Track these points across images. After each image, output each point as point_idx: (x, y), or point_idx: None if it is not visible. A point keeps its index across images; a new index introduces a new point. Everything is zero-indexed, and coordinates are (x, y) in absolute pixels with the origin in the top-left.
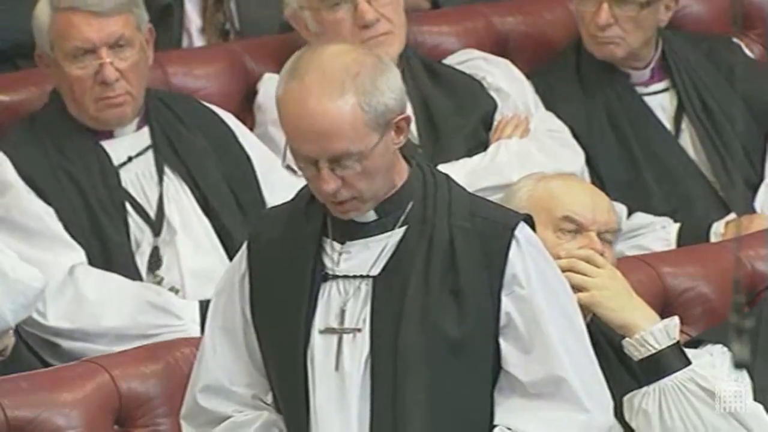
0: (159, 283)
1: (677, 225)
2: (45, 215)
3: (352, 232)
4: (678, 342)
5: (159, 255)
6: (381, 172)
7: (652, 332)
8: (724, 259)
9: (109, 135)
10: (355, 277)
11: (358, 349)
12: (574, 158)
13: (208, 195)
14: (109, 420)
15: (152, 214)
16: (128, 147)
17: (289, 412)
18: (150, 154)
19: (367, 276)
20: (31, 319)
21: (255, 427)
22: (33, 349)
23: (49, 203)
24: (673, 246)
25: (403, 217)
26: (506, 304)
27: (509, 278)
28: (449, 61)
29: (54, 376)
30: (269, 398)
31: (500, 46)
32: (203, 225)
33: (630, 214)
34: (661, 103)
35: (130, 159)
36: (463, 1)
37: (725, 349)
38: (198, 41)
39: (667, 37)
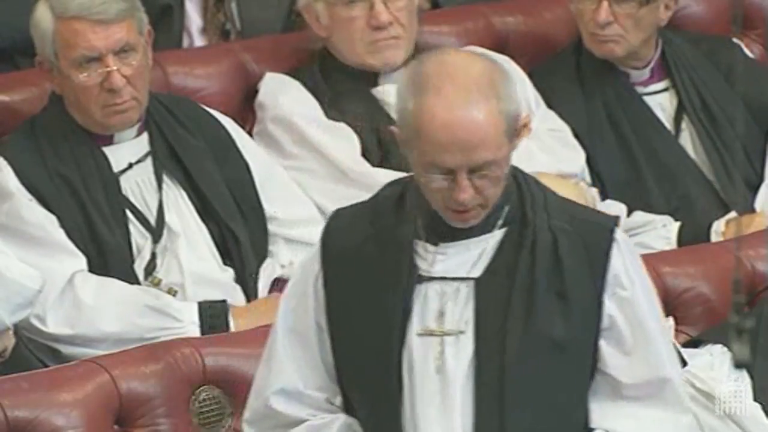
0: (157, 284)
1: (678, 223)
2: (46, 222)
3: (448, 233)
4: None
5: (155, 261)
6: (504, 178)
7: None
8: (724, 259)
9: (109, 140)
10: (453, 279)
11: (461, 352)
12: (575, 158)
13: (208, 196)
14: (109, 420)
15: (152, 220)
16: (129, 153)
17: (377, 416)
18: (149, 160)
19: (468, 278)
20: (32, 326)
21: (335, 428)
22: (35, 354)
23: (50, 210)
24: (673, 244)
25: (501, 219)
26: (609, 305)
27: (611, 279)
28: None
29: (54, 376)
30: (338, 401)
31: (500, 46)
32: (201, 231)
33: (630, 213)
34: (661, 103)
35: (130, 165)
36: (463, 1)
37: (725, 349)
38: (198, 41)
39: (667, 37)
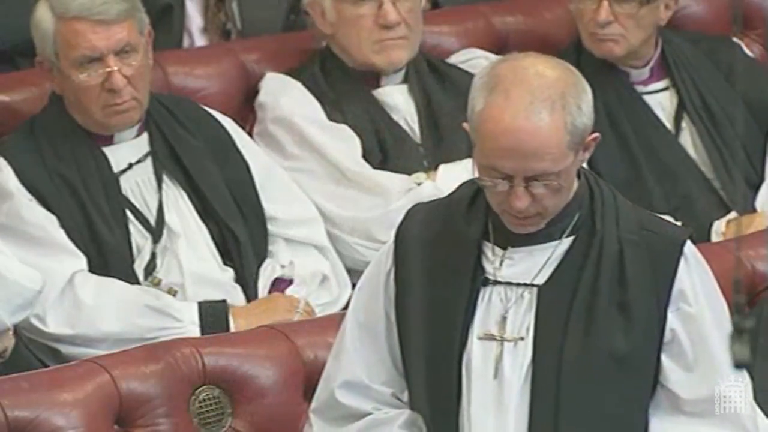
0: (157, 284)
1: (678, 224)
2: (46, 222)
3: (516, 238)
4: None
5: (155, 261)
6: (567, 190)
7: None
8: (724, 259)
9: (110, 140)
10: (518, 284)
11: (519, 358)
12: None
13: (208, 196)
14: (109, 420)
15: (152, 220)
16: (129, 153)
17: (435, 415)
18: (149, 161)
19: (532, 284)
20: (32, 326)
21: (398, 424)
22: (35, 354)
23: (50, 210)
24: None
25: (570, 228)
26: (672, 320)
27: (677, 294)
28: (451, 60)
29: (54, 376)
30: (405, 397)
31: (500, 46)
32: (201, 232)
33: None
34: (661, 102)
35: (130, 166)
36: (464, 1)
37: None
38: (199, 41)
39: (667, 37)
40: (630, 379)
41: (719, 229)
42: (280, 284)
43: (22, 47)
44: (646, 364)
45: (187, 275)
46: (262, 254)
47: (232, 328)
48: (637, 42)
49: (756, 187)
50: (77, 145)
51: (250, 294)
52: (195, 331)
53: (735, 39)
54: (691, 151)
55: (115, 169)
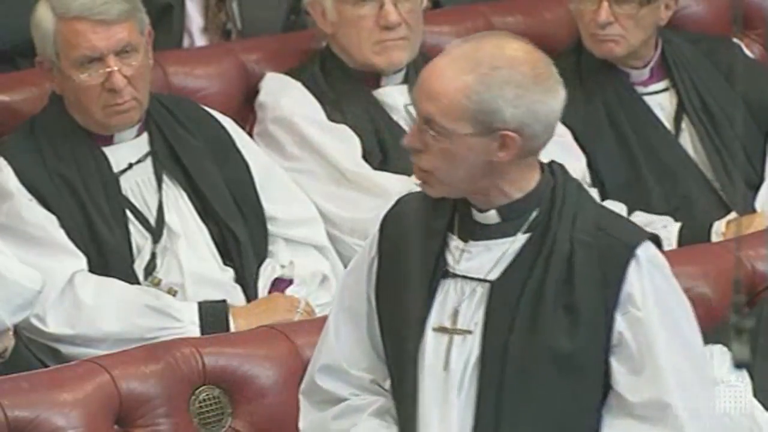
0: (157, 284)
1: (678, 224)
2: (46, 222)
3: (475, 231)
4: None
5: (155, 261)
6: (464, 166)
7: None
8: (724, 259)
9: (110, 140)
10: (473, 279)
11: (466, 352)
12: (575, 163)
13: (208, 196)
14: (109, 420)
15: (152, 220)
16: (129, 153)
17: (399, 403)
18: (149, 161)
19: (485, 279)
20: (32, 326)
21: (369, 412)
22: (35, 354)
23: (50, 210)
24: (674, 245)
25: (526, 225)
26: (620, 323)
27: (625, 297)
28: None
29: (54, 376)
30: (387, 384)
31: None
32: (202, 232)
33: (630, 213)
34: (661, 103)
35: (130, 166)
36: (464, 1)
37: (725, 349)
38: (199, 41)
39: (667, 37)
40: (575, 380)
41: (719, 229)
42: (280, 284)
43: (22, 47)
44: (593, 365)
45: (187, 275)
46: (262, 254)
47: (232, 328)
48: (637, 42)
49: (756, 188)
50: (77, 145)
51: (250, 294)
52: (195, 331)
53: (735, 39)
54: (690, 152)
55: (115, 169)
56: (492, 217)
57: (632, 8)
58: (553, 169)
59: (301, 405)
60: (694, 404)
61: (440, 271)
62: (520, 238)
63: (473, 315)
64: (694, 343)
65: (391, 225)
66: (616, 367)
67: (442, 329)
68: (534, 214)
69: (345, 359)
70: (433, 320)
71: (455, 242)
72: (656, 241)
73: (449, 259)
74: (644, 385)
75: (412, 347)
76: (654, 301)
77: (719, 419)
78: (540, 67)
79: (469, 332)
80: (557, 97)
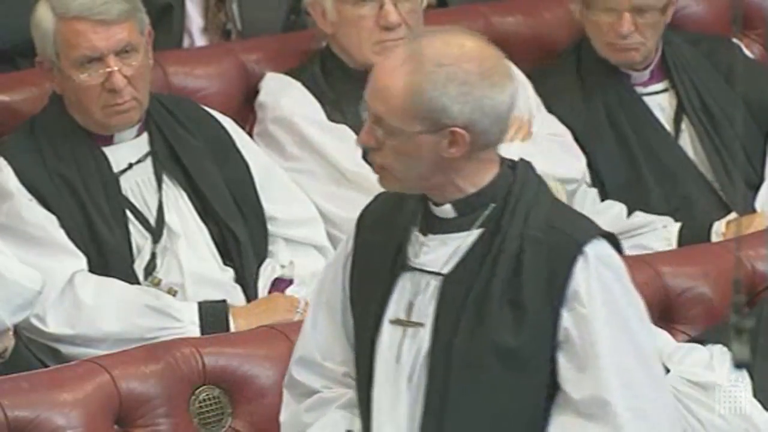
0: (157, 284)
1: (678, 224)
2: (46, 222)
3: (434, 225)
4: None
5: (155, 261)
6: (415, 163)
7: None
8: (724, 259)
9: (109, 140)
10: (429, 272)
11: (417, 345)
12: (575, 163)
13: (208, 196)
14: (109, 420)
15: (152, 220)
16: (129, 153)
17: (358, 394)
18: (149, 161)
19: (439, 273)
20: (32, 326)
21: (336, 405)
22: (35, 354)
23: (50, 210)
24: (674, 245)
25: (481, 220)
26: (566, 319)
27: (571, 294)
28: None
29: (54, 376)
30: None
31: (500, 47)
32: (202, 232)
33: (630, 213)
34: (661, 104)
35: (130, 166)
36: (472, 1)
37: (725, 349)
38: (199, 41)
39: (667, 38)
40: (520, 376)
41: (719, 229)
42: (280, 284)
43: (22, 47)
44: (538, 361)
45: (187, 275)
46: (262, 254)
47: (232, 328)
48: (653, 46)
49: (756, 188)
50: (77, 145)
51: (250, 294)
52: (195, 331)
53: (735, 39)
54: (690, 152)
55: (115, 169)
56: (448, 211)
57: (653, 17)
58: (516, 165)
59: (284, 398)
60: (638, 404)
61: (400, 265)
62: (474, 233)
63: (426, 308)
64: (643, 344)
65: (367, 220)
66: (563, 363)
67: (398, 321)
68: (489, 209)
69: (320, 352)
70: (390, 313)
71: (417, 236)
72: (613, 239)
73: (410, 252)
74: (586, 382)
75: (369, 339)
76: (601, 300)
77: (673, 422)
78: (487, 62)
79: (422, 325)
80: (505, 90)
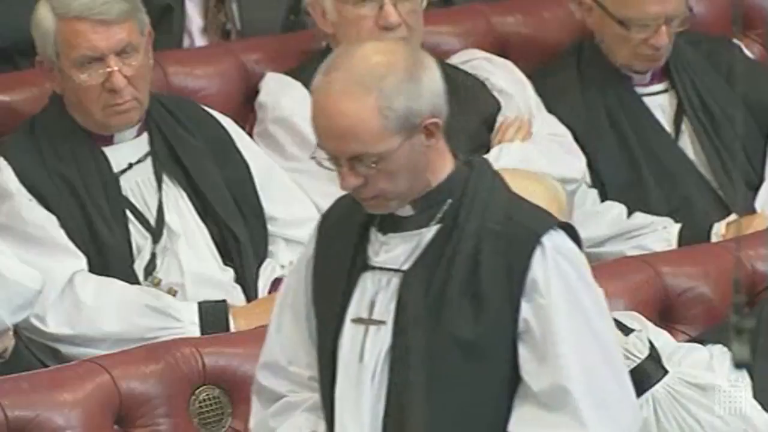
0: (157, 284)
1: (678, 225)
2: (46, 222)
3: (393, 224)
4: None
5: (155, 261)
6: (405, 173)
7: (633, 343)
8: (724, 259)
9: (110, 140)
10: (389, 269)
11: (379, 343)
12: (576, 163)
13: (208, 196)
14: (109, 420)
15: (152, 220)
16: (129, 154)
17: (322, 394)
18: (149, 161)
19: (399, 270)
20: (32, 326)
21: (303, 407)
22: (35, 354)
23: (50, 210)
24: (674, 246)
25: (439, 215)
26: (525, 309)
27: (530, 284)
28: (451, 61)
29: (54, 376)
30: None
31: (500, 46)
32: (202, 232)
33: (630, 214)
34: (661, 104)
35: (130, 166)
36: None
37: (725, 349)
38: (199, 41)
39: None
40: (481, 368)
41: (719, 231)
42: (280, 284)
43: (22, 47)
44: (499, 353)
45: (187, 275)
46: (262, 254)
47: (232, 328)
48: (671, 48)
49: (756, 188)
50: (77, 145)
51: (250, 294)
52: (195, 331)
53: (735, 40)
54: (690, 153)
55: (115, 169)
56: (408, 209)
57: (680, 24)
58: (472, 160)
59: (252, 404)
60: (599, 393)
61: (361, 264)
62: (433, 229)
63: (387, 306)
64: (603, 334)
65: (327, 223)
66: (523, 354)
67: (359, 320)
68: (446, 205)
69: (285, 356)
70: (351, 312)
71: (376, 235)
72: (571, 231)
73: (370, 251)
74: (546, 371)
75: (331, 339)
76: (559, 290)
77: (634, 411)
78: (408, 52)
79: (383, 323)
80: (434, 67)
